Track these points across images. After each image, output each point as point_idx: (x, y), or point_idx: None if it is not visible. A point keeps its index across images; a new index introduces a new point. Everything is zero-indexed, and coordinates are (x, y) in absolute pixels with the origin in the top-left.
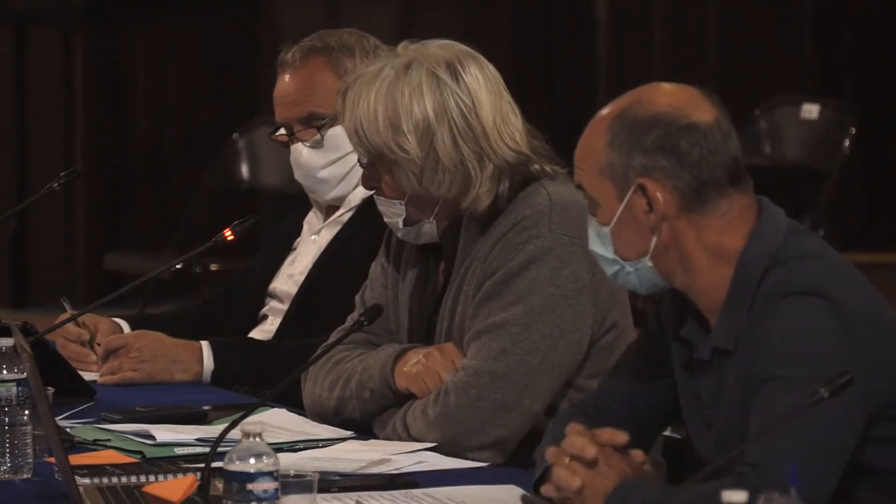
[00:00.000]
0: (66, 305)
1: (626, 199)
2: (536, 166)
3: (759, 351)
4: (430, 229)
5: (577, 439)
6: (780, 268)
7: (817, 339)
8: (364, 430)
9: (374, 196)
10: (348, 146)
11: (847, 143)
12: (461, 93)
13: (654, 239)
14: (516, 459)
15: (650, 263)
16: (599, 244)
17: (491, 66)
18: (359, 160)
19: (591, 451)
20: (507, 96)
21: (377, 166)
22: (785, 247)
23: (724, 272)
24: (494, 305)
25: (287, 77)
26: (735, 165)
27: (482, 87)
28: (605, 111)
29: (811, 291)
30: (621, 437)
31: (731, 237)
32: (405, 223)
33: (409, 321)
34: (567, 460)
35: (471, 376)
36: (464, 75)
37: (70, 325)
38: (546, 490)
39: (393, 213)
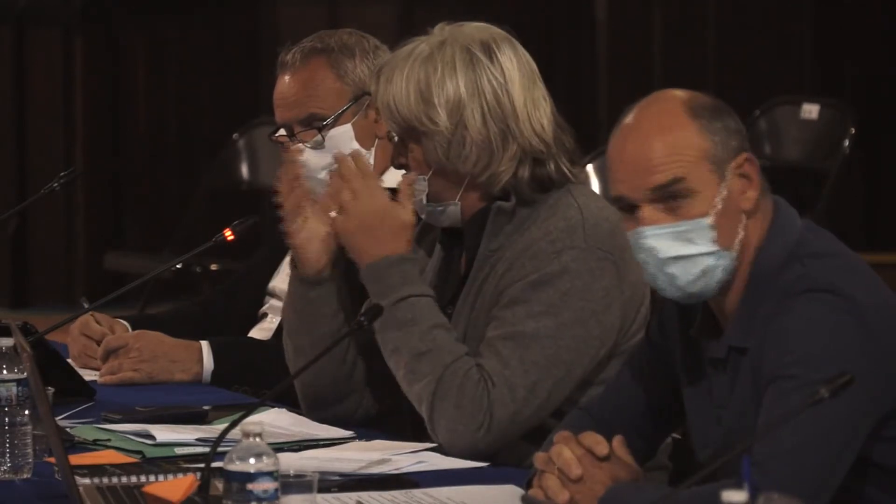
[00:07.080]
0: (86, 305)
1: (725, 181)
2: (555, 162)
3: (773, 348)
4: (454, 211)
5: (564, 451)
6: (797, 264)
7: (831, 339)
8: (367, 425)
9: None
10: (349, 147)
11: (847, 143)
12: (495, 71)
13: (744, 221)
14: (516, 459)
15: (735, 252)
16: (686, 244)
17: (527, 53)
18: (388, 136)
19: (576, 471)
20: (540, 84)
21: (406, 142)
22: (801, 244)
23: (746, 268)
24: (521, 311)
25: (287, 78)
26: None
27: (515, 68)
28: (663, 107)
29: (827, 288)
30: (603, 447)
31: (758, 233)
32: (429, 199)
33: None
34: (556, 469)
35: (511, 390)
36: (498, 55)
37: (93, 325)
38: (534, 493)
39: (417, 189)
